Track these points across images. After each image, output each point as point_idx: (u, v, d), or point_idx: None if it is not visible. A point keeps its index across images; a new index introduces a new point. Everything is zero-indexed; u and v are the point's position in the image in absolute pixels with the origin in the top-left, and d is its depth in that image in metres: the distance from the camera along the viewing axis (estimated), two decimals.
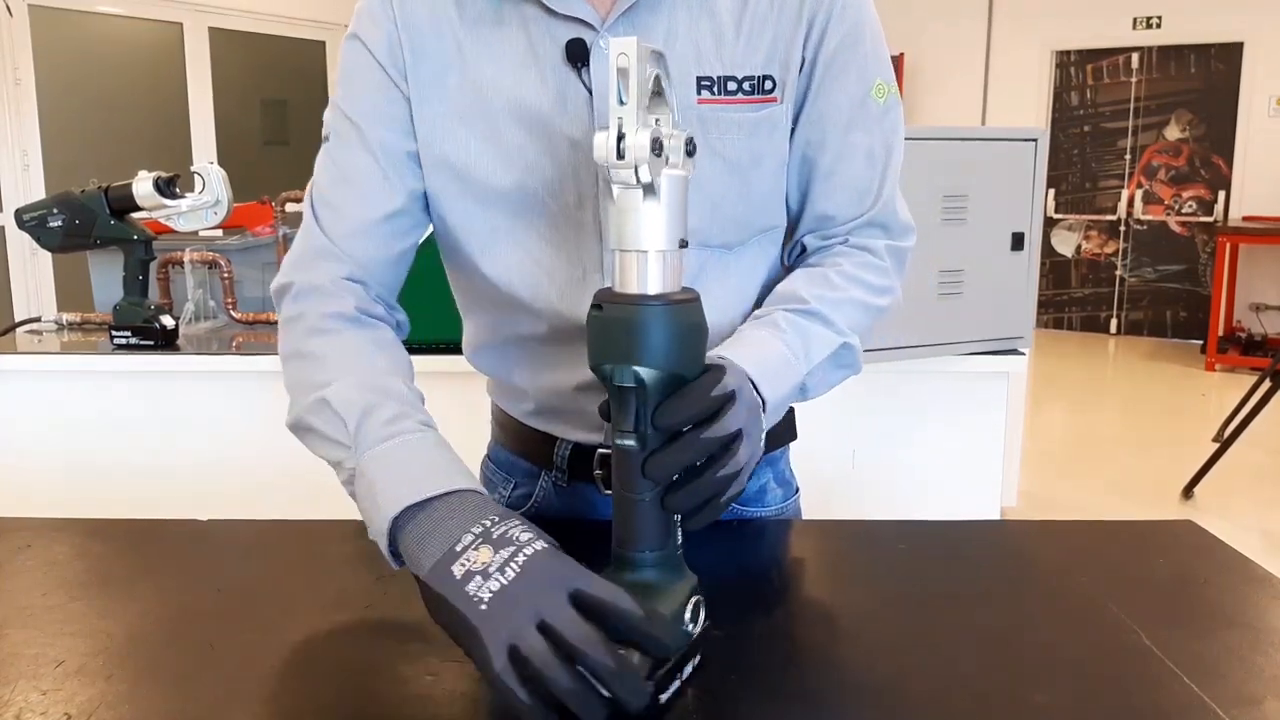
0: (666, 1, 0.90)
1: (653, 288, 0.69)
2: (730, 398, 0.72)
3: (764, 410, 0.81)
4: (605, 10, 0.90)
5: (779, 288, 0.96)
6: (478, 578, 0.66)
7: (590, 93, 0.89)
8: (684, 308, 0.69)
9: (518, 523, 0.70)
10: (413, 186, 0.95)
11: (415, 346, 0.97)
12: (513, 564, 0.66)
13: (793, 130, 0.96)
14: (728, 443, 0.71)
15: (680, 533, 0.73)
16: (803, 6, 0.92)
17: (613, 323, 0.69)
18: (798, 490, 1.12)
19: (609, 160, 0.67)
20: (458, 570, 0.67)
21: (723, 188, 0.93)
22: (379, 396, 0.81)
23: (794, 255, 1.03)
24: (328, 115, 0.96)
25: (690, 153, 0.71)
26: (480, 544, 0.68)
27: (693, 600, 0.71)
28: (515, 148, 0.91)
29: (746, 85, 0.92)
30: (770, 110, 0.93)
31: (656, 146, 0.67)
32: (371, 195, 0.93)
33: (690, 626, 0.71)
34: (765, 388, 0.82)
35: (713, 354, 0.81)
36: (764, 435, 0.80)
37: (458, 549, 0.68)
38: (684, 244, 0.70)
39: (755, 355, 0.84)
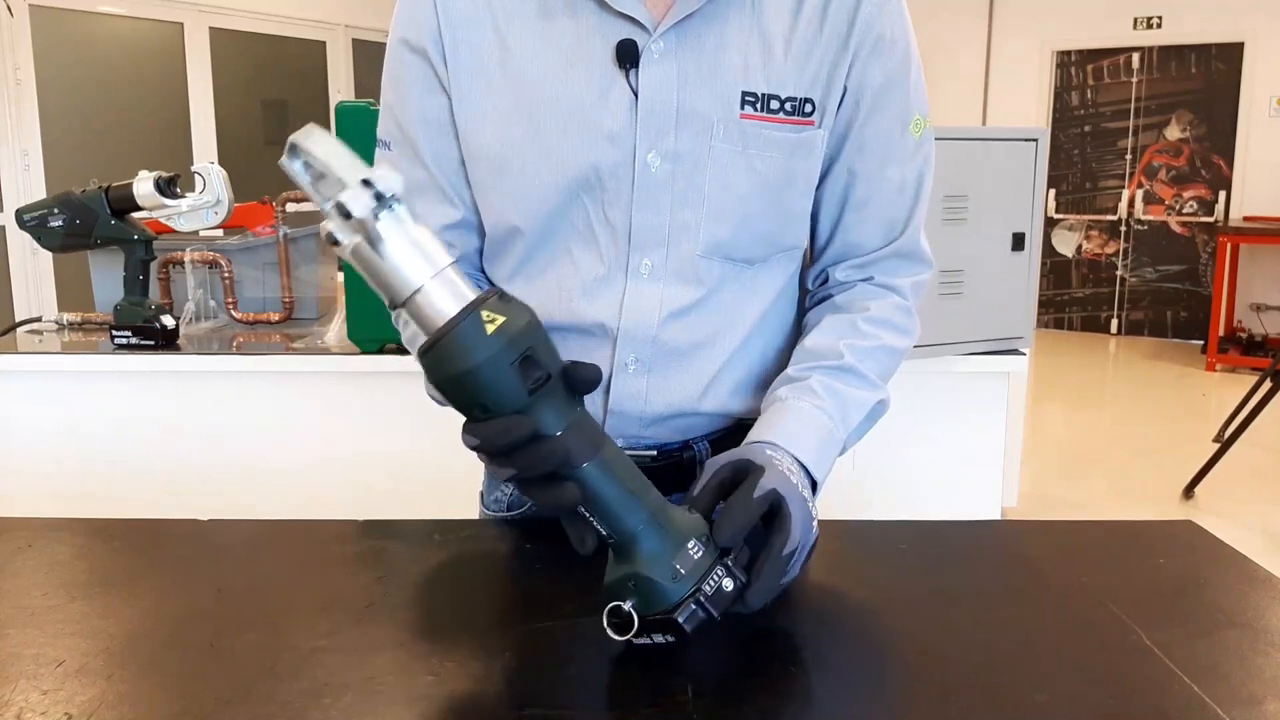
0: (720, 14, 0.90)
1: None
2: (774, 500, 0.76)
3: (816, 490, 0.86)
4: (660, 14, 0.90)
5: (810, 338, 0.98)
6: None
7: (636, 95, 0.89)
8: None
9: None
10: (469, 197, 0.98)
11: None
12: None
13: (833, 157, 0.97)
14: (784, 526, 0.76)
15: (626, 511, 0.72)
16: (850, 35, 0.92)
17: None
18: None
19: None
20: None
21: (757, 205, 0.94)
22: None
23: (818, 282, 1.04)
24: (383, 121, 0.98)
25: (345, 217, 0.64)
26: None
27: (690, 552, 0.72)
28: (554, 142, 0.91)
29: (788, 106, 0.92)
30: (809, 134, 0.94)
31: (331, 240, 0.66)
32: (434, 208, 0.97)
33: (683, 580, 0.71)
34: (817, 471, 0.87)
35: (760, 437, 0.87)
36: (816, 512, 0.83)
37: None
38: (392, 305, 0.68)
39: (806, 438, 0.88)
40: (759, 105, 0.91)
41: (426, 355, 0.66)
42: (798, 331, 1.04)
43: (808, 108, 0.93)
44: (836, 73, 0.93)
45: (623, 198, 0.92)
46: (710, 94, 0.90)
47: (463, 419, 0.68)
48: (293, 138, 0.65)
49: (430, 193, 0.97)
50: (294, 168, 0.66)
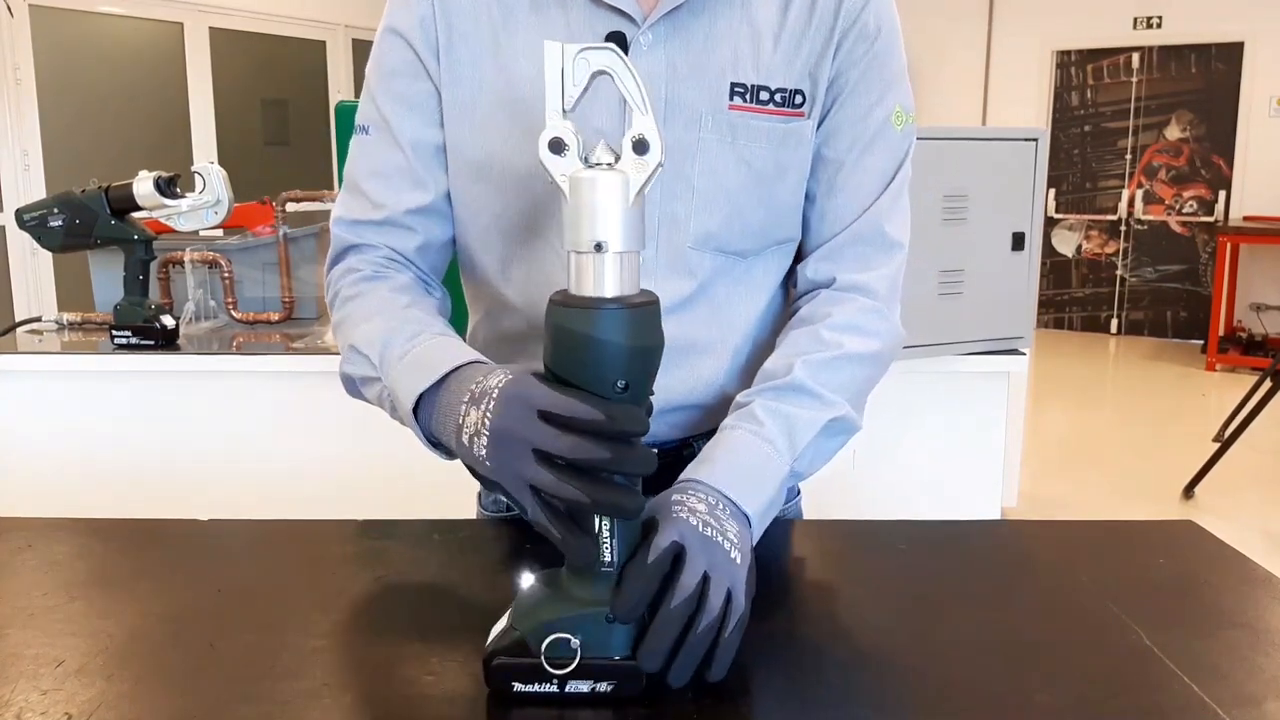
0: (709, 6, 0.91)
1: (561, 285, 0.70)
2: (674, 552, 0.70)
3: (750, 522, 0.80)
4: (649, 7, 0.90)
5: (769, 359, 0.94)
6: (474, 439, 0.71)
7: None
8: (556, 310, 0.67)
9: (498, 373, 0.73)
10: (444, 183, 0.97)
11: None
12: (488, 412, 0.70)
13: (815, 145, 0.96)
14: (699, 594, 0.69)
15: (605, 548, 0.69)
16: (836, 24, 0.93)
17: None
18: (799, 493, 1.12)
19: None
20: (465, 439, 0.72)
21: (747, 196, 0.94)
22: (397, 324, 0.86)
23: (795, 285, 1.04)
24: (363, 106, 0.98)
25: (640, 151, 0.67)
26: (469, 407, 0.72)
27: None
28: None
29: (778, 97, 0.92)
30: (799, 125, 0.94)
31: (555, 146, 0.68)
32: (404, 192, 0.96)
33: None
34: (747, 502, 0.80)
35: (686, 475, 0.82)
36: (749, 551, 0.76)
37: (459, 420, 0.73)
38: (599, 247, 0.66)
39: (729, 469, 0.82)
40: (748, 96, 0.92)
41: (618, 314, 0.66)
42: None
43: (798, 99, 0.93)
44: (823, 63, 0.93)
45: None
46: (699, 85, 0.91)
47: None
48: (608, 46, 0.66)
49: (402, 177, 0.96)
50: (578, 68, 0.66)
